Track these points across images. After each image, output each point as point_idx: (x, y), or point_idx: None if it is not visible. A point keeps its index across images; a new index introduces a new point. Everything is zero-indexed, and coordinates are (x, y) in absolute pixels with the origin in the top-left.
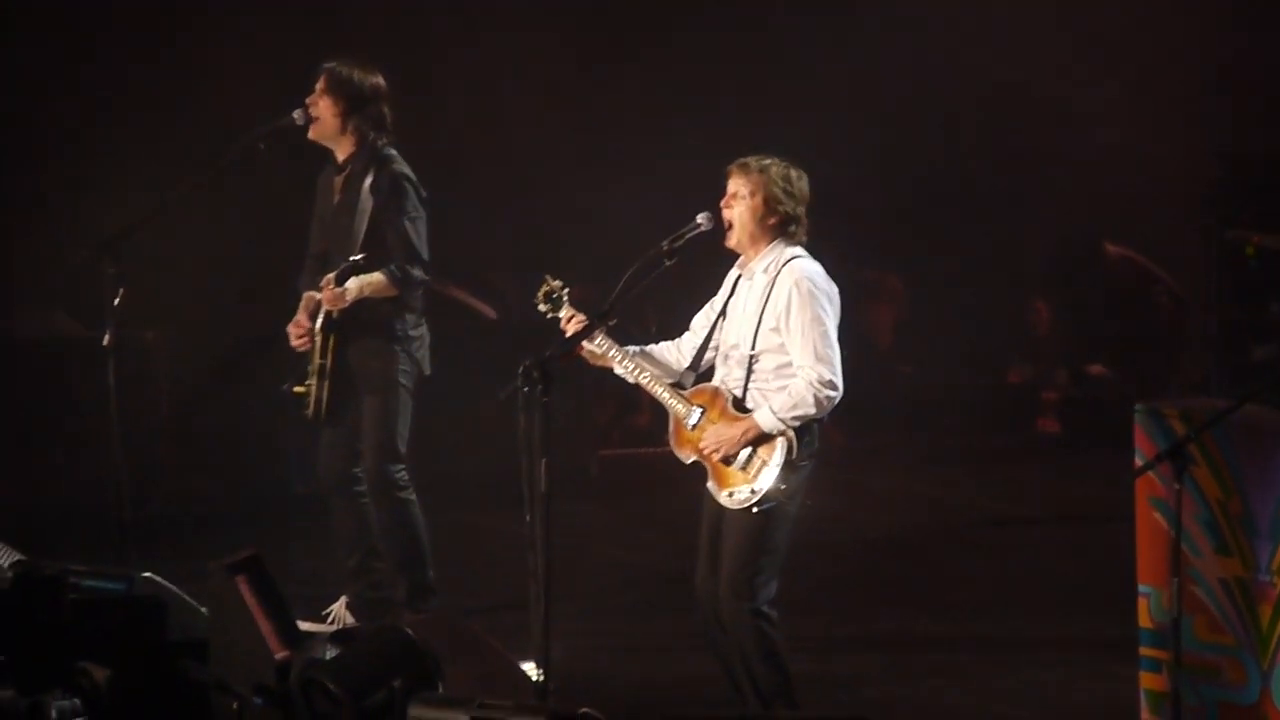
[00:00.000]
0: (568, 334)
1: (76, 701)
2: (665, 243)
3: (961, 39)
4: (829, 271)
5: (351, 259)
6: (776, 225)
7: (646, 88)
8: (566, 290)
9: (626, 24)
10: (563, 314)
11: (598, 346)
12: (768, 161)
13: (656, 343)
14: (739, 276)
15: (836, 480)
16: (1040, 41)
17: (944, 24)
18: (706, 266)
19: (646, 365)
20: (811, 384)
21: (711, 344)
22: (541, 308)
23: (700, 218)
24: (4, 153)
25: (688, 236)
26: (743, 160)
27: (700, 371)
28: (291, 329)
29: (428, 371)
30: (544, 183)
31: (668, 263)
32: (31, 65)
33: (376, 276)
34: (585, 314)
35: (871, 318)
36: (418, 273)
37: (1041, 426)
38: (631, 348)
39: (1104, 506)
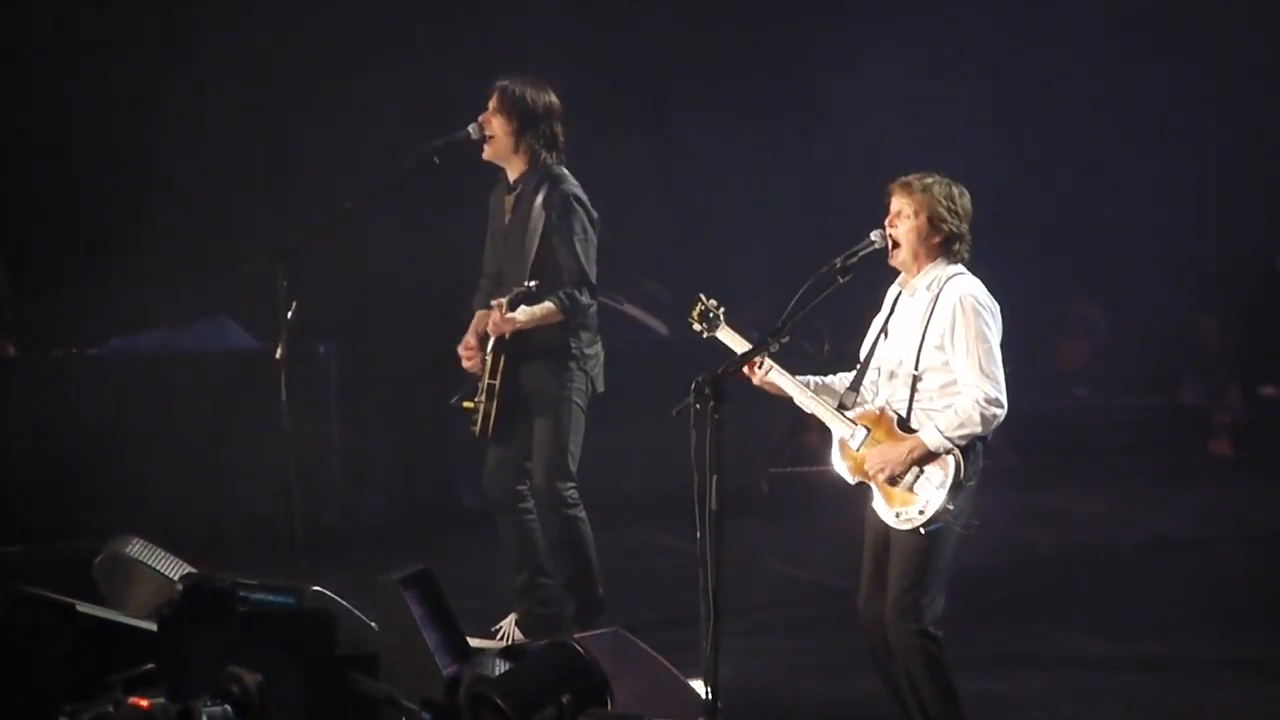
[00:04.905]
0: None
1: (227, 708)
2: (839, 260)
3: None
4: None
5: (526, 285)
6: (941, 244)
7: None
8: (722, 310)
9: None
10: (720, 334)
11: (761, 369)
12: (931, 180)
13: (828, 366)
14: (899, 293)
15: (1007, 500)
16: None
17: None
18: (879, 284)
19: (809, 390)
20: (977, 402)
21: (873, 362)
22: (696, 327)
23: (874, 234)
24: (176, 167)
25: (861, 254)
26: (906, 179)
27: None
28: (462, 349)
29: (600, 389)
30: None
31: (841, 280)
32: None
33: (545, 305)
34: (744, 334)
35: (1064, 350)
36: (585, 298)
37: (1213, 448)
38: (805, 378)
39: (1277, 529)
